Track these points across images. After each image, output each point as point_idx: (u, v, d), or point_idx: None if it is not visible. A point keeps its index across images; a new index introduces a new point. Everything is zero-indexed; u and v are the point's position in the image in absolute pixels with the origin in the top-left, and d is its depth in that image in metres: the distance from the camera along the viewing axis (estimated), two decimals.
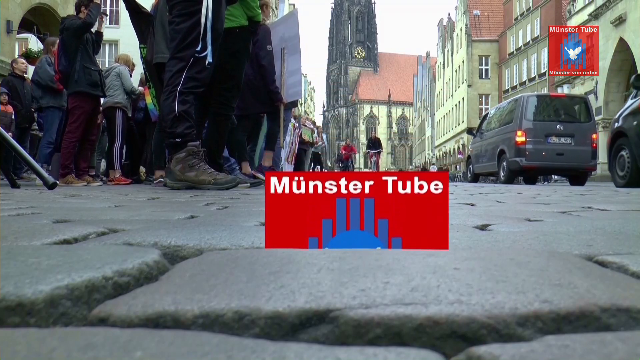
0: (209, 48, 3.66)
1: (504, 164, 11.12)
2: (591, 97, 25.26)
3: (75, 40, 5.84)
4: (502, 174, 11.35)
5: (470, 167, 14.17)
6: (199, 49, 3.62)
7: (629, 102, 7.11)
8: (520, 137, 10.39)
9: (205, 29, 3.64)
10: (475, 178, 13.79)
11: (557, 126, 10.54)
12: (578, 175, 10.87)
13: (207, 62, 3.66)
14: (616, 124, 7.19)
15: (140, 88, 7.57)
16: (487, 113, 14.15)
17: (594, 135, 10.38)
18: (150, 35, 5.29)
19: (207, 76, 3.76)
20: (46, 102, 6.67)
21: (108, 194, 3.00)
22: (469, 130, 15.18)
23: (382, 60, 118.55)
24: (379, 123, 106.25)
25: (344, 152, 24.41)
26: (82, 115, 5.95)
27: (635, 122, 6.46)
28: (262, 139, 6.37)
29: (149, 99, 6.88)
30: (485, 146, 12.64)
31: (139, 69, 8.13)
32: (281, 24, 6.48)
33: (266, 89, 5.58)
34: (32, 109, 9.06)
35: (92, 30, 6.10)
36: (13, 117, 8.98)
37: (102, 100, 6.68)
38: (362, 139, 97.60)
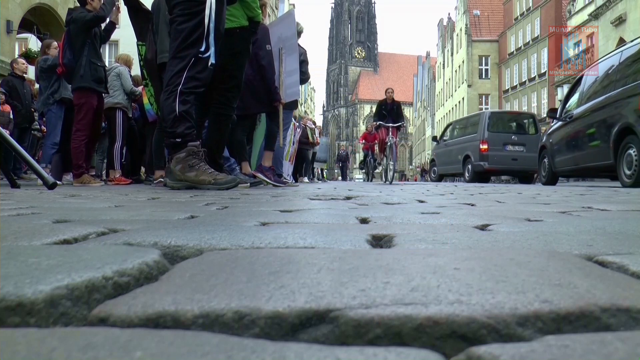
0: (212, 49, 3.66)
1: (469, 166, 13.95)
2: None
3: (83, 34, 5.71)
4: (467, 175, 13.99)
5: (435, 168, 17.00)
6: (202, 49, 3.62)
7: (550, 125, 9.80)
8: (483, 145, 13.24)
9: (209, 30, 3.64)
10: (439, 178, 16.63)
11: (512, 137, 13.55)
12: (527, 176, 13.66)
13: (210, 63, 3.66)
14: (542, 140, 10.07)
15: (139, 88, 7.56)
16: (449, 124, 17.14)
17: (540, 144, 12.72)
18: (149, 33, 5.27)
19: (208, 76, 3.76)
20: (59, 94, 6.51)
21: (108, 194, 3.00)
22: (434, 138, 17.92)
23: (382, 60, 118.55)
24: None
25: (362, 142, 18.18)
26: (89, 111, 5.85)
27: (550, 140, 9.29)
28: (260, 139, 6.36)
29: (145, 99, 6.87)
30: (450, 152, 15.33)
31: (135, 69, 8.12)
32: (279, 24, 6.46)
33: (265, 89, 5.57)
34: (32, 109, 9.06)
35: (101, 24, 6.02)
36: (11, 116, 8.98)
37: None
38: None
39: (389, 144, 10.39)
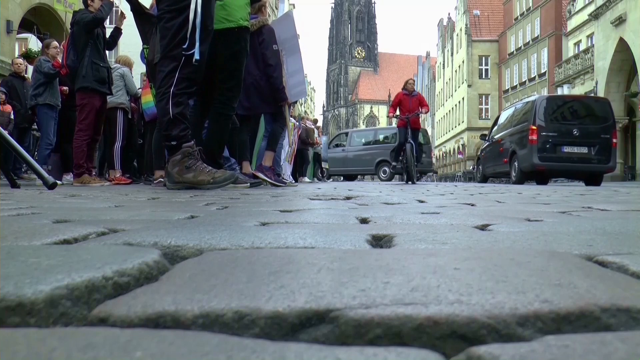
0: (197, 45, 3.54)
1: (385, 168, 17.67)
2: None
3: (85, 35, 5.76)
4: (382, 175, 17.58)
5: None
6: (185, 46, 3.51)
7: (484, 144, 14.75)
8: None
9: (194, 26, 3.52)
10: (329, 177, 20.32)
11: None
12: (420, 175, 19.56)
13: (194, 60, 3.54)
14: (478, 153, 15.73)
15: (140, 90, 7.59)
16: (345, 133, 21.87)
17: (432, 152, 19.31)
18: (153, 35, 5.29)
19: (200, 76, 3.70)
20: (43, 99, 6.60)
21: (108, 194, 3.00)
22: (333, 145, 21.84)
23: (382, 60, 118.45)
24: (379, 123, 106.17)
25: (393, 114, 9.83)
26: (91, 111, 5.86)
27: (482, 154, 14.74)
28: (261, 139, 6.36)
29: (148, 98, 6.88)
30: (360, 155, 19.47)
31: (136, 69, 8.15)
32: (276, 26, 6.45)
33: (272, 89, 5.56)
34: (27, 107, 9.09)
35: (104, 25, 6.06)
36: (12, 116, 8.97)
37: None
38: None
39: None
